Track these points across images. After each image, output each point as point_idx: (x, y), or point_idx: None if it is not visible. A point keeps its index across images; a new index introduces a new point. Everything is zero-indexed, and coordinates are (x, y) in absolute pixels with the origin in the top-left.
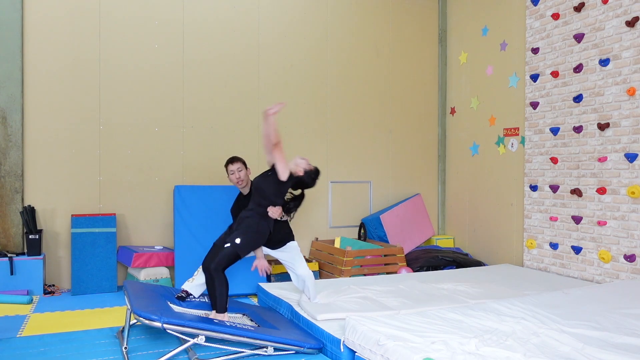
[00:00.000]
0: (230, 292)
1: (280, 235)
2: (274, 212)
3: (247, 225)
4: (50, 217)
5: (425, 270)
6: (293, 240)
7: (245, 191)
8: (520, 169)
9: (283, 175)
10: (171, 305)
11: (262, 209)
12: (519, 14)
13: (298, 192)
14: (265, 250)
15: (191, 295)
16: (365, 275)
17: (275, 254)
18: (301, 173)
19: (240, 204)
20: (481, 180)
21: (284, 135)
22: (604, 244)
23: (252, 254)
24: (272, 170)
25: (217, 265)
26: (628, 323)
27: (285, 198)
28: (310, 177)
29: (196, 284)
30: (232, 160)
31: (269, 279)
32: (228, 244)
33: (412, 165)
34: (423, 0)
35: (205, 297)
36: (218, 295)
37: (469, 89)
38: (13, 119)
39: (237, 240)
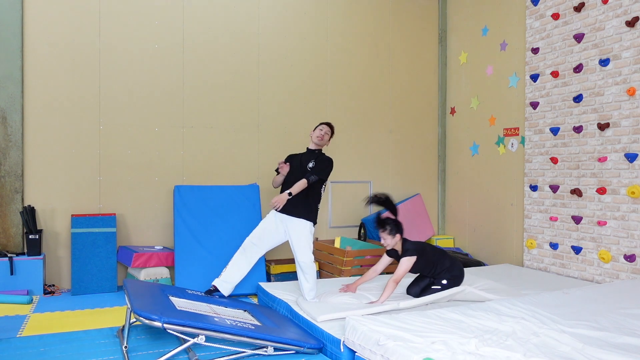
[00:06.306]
0: (229, 292)
1: (301, 201)
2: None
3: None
4: (50, 217)
5: None
6: (310, 221)
7: (314, 148)
8: (520, 169)
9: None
10: (173, 299)
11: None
12: (519, 14)
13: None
14: (278, 229)
15: (219, 292)
16: None
17: (284, 230)
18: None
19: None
20: (481, 180)
21: (284, 135)
22: (604, 244)
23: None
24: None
25: None
26: (628, 323)
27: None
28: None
29: (223, 279)
30: (329, 124)
31: (269, 278)
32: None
33: (412, 165)
34: (423, 0)
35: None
36: None
37: (469, 89)
38: (13, 119)
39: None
